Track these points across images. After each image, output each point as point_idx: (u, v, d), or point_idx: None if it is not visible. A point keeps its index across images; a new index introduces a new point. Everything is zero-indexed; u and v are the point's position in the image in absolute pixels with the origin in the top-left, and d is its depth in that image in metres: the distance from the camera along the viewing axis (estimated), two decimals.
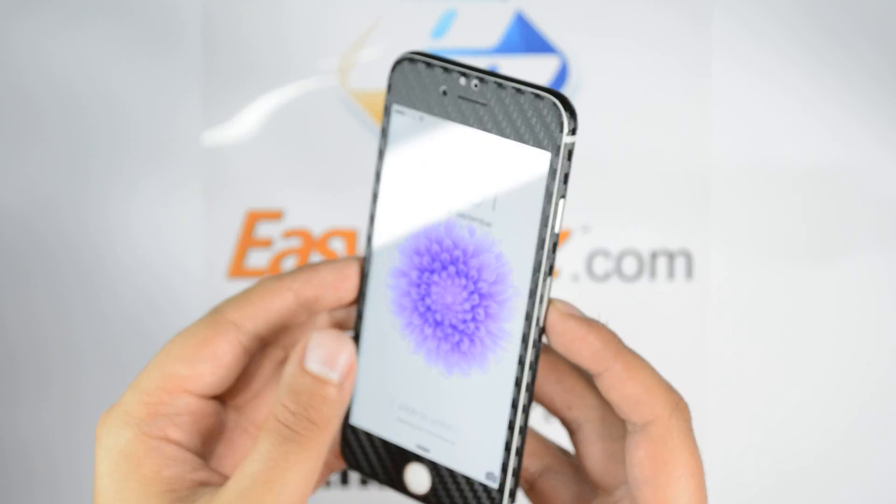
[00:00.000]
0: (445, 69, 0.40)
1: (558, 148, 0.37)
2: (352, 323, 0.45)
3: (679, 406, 0.39)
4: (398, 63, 0.41)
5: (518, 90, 0.37)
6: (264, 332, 0.44)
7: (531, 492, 0.45)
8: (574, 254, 0.92)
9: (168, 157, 0.91)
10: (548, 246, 0.38)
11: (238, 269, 0.91)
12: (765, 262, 0.92)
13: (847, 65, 0.90)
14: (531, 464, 0.45)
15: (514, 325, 0.38)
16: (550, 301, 0.39)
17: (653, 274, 0.92)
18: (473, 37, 0.90)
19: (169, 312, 0.92)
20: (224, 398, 0.45)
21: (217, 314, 0.43)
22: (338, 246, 0.91)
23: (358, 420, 0.44)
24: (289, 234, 0.91)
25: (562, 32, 0.90)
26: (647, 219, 0.91)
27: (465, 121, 0.40)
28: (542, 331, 0.39)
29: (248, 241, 0.91)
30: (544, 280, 0.39)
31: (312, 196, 0.91)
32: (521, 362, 0.38)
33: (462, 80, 0.39)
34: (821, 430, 0.92)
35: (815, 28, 0.90)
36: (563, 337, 0.39)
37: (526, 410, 0.39)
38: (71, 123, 0.90)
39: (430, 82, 0.41)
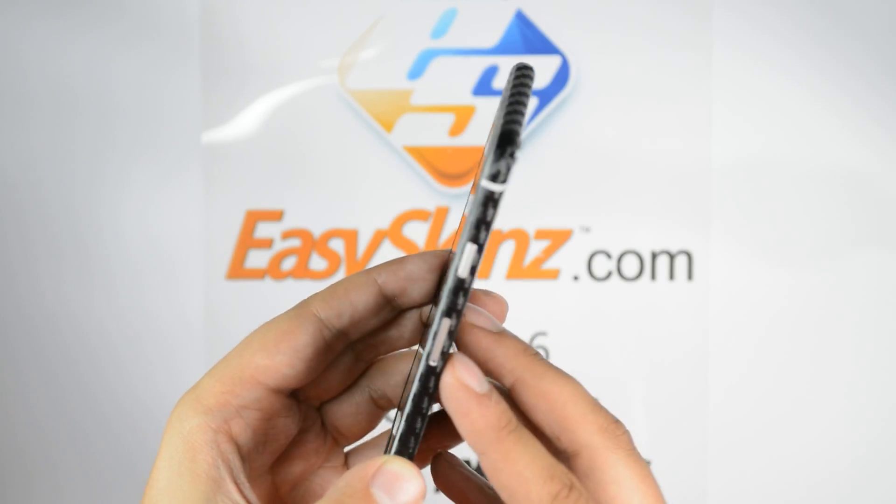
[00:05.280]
0: (508, 83, 0.40)
1: (476, 187, 0.35)
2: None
3: (558, 498, 0.37)
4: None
5: (501, 112, 0.36)
6: (349, 326, 0.43)
7: None
8: (575, 254, 0.92)
9: (168, 157, 0.91)
10: (448, 286, 0.36)
11: (238, 269, 0.91)
12: (765, 263, 0.91)
13: (851, 64, 0.90)
14: None
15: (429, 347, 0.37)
16: (451, 362, 0.38)
17: (653, 274, 0.92)
18: (473, 36, 0.90)
19: (169, 312, 0.92)
20: (303, 395, 0.45)
21: (302, 307, 0.42)
22: (337, 246, 0.91)
23: None
24: (288, 235, 0.91)
25: (562, 32, 0.90)
26: (647, 219, 0.91)
27: (491, 136, 0.40)
28: (431, 371, 0.38)
29: (247, 241, 0.91)
30: (439, 319, 0.37)
31: (312, 196, 0.91)
32: (414, 396, 0.37)
33: (504, 93, 0.39)
34: (821, 428, 0.92)
35: (817, 30, 0.90)
36: (449, 404, 0.38)
37: (401, 439, 0.38)
38: (69, 123, 0.90)
39: (506, 89, 0.41)
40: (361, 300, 0.42)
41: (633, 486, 0.37)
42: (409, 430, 0.38)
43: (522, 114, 0.36)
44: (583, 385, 0.38)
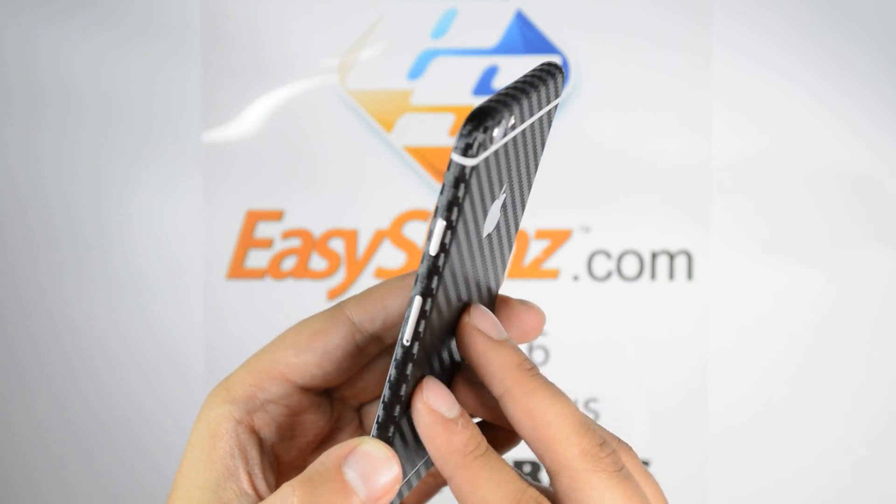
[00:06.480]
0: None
1: (449, 163, 0.34)
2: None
3: None
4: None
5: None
6: (382, 331, 0.43)
7: None
8: (575, 254, 0.92)
9: (168, 157, 0.91)
10: (421, 265, 0.35)
11: (238, 269, 0.91)
12: (765, 263, 0.91)
13: (851, 64, 0.90)
14: None
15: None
16: (421, 385, 0.37)
17: (653, 274, 0.92)
18: (473, 36, 0.90)
19: (169, 312, 0.92)
20: (339, 394, 0.45)
21: (337, 309, 0.43)
22: (338, 246, 0.91)
23: None
24: (288, 235, 0.91)
25: (562, 32, 0.90)
26: (647, 219, 0.91)
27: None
28: (405, 352, 0.36)
29: (248, 241, 0.91)
30: (412, 299, 0.36)
31: (312, 196, 0.91)
32: (391, 383, 0.37)
33: None
34: (822, 428, 0.92)
35: (817, 30, 0.90)
36: (419, 427, 0.37)
37: (380, 425, 0.38)
38: (68, 123, 0.90)
39: None
40: (395, 305, 0.43)
41: None
42: (388, 416, 0.38)
43: (514, 97, 0.35)
44: (573, 404, 0.38)
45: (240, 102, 0.91)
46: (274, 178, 0.91)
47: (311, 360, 0.42)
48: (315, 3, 0.90)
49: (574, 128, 0.91)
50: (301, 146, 0.91)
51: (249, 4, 0.90)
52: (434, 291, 0.36)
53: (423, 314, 0.36)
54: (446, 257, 0.35)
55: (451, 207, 0.34)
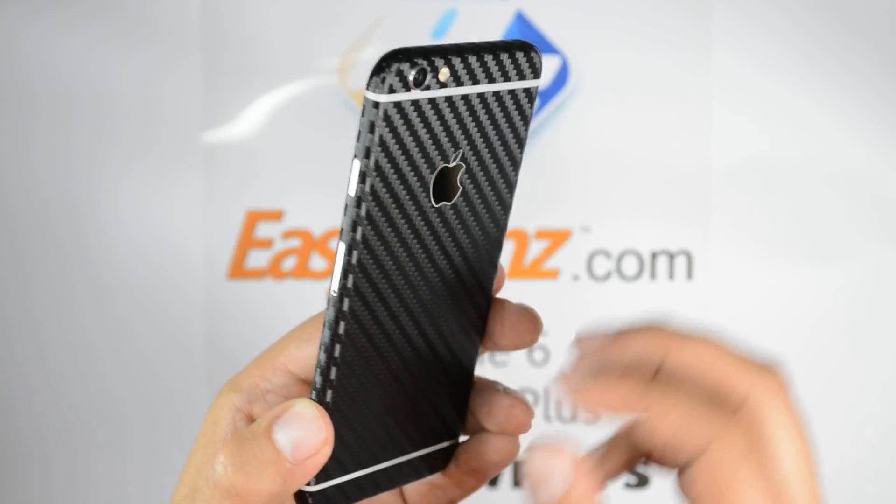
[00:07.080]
0: None
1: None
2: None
3: None
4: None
5: None
6: None
7: None
8: (574, 254, 0.92)
9: (167, 157, 0.91)
10: (344, 213, 0.35)
11: (238, 269, 0.91)
12: (765, 262, 0.91)
13: (851, 63, 0.90)
14: None
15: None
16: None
17: (653, 274, 0.92)
18: (473, 37, 0.90)
19: (169, 313, 0.92)
20: None
21: None
22: None
23: None
24: (289, 234, 0.91)
25: (562, 32, 0.90)
26: (647, 219, 0.91)
27: None
28: (335, 306, 0.36)
29: (248, 241, 0.91)
30: (337, 245, 0.35)
31: (312, 196, 0.91)
32: (325, 346, 0.38)
33: None
34: (822, 429, 0.92)
35: (817, 29, 0.90)
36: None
37: (317, 391, 0.38)
38: (69, 123, 0.90)
39: None
40: None
41: (788, 444, 0.38)
42: (325, 380, 0.37)
43: (449, 50, 0.34)
44: (716, 340, 0.39)
45: (240, 102, 0.91)
46: (274, 178, 0.91)
47: (313, 353, 0.42)
48: (315, 3, 0.90)
49: (574, 128, 0.91)
50: (301, 146, 0.91)
51: (249, 4, 0.90)
52: (359, 240, 0.35)
53: (349, 266, 0.35)
54: (368, 206, 0.34)
55: (368, 149, 0.33)
